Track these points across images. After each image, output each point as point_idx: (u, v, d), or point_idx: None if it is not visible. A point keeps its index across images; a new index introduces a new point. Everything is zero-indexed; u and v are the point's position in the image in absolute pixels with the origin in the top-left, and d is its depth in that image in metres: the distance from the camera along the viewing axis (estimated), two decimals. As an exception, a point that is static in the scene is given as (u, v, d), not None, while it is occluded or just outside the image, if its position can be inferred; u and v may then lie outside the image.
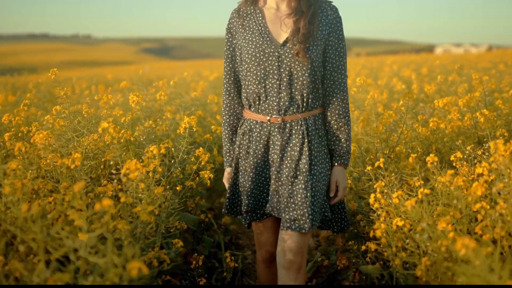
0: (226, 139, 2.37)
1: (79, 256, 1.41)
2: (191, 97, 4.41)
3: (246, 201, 2.24)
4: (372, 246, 2.23)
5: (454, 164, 2.40)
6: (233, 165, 2.31)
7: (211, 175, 2.79)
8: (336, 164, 2.28)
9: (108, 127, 2.16)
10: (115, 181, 2.10)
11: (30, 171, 2.16)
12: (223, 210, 2.39)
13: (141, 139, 2.70)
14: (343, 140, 2.25)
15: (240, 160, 2.29)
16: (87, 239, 1.42)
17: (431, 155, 2.29)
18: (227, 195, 2.37)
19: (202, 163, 2.81)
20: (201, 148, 2.80)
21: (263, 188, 2.25)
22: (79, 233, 1.44)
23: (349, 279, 2.80)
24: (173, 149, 2.66)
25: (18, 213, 1.84)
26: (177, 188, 2.71)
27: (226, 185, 2.40)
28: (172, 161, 2.68)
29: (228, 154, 2.38)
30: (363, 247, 2.36)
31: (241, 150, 2.28)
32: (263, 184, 2.24)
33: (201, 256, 2.80)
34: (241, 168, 2.28)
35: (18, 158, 2.15)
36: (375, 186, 2.21)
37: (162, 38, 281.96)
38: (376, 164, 2.39)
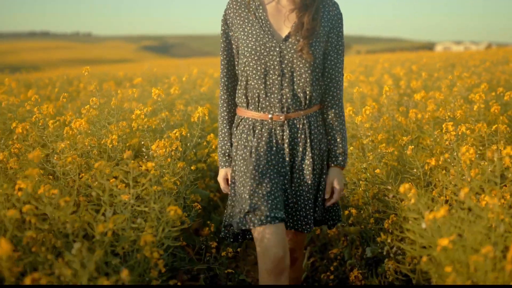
0: (226, 138, 2.25)
1: (128, 205, 1.91)
2: (200, 91, 4.91)
3: (249, 201, 2.05)
4: (353, 211, 2.73)
5: (423, 146, 2.90)
6: (234, 165, 2.18)
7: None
8: (332, 164, 2.20)
9: (140, 114, 2.64)
10: (145, 157, 2.59)
11: (74, 149, 2.65)
12: (222, 232, 2.25)
13: (162, 126, 3.19)
14: (338, 139, 2.19)
15: (239, 160, 2.16)
16: (133, 192, 1.91)
17: (403, 137, 2.80)
18: (229, 202, 2.20)
19: (212, 147, 3.30)
20: (212, 134, 3.30)
21: (266, 187, 2.08)
22: (127, 189, 1.94)
23: (338, 246, 3.29)
24: (188, 134, 3.15)
25: (76, 178, 2.34)
26: (192, 167, 3.20)
27: (222, 186, 2.27)
28: (188, 144, 3.17)
29: (227, 154, 2.25)
30: (346, 212, 2.85)
31: (238, 150, 2.17)
32: (266, 184, 2.08)
33: (213, 224, 3.29)
34: (242, 168, 2.13)
35: (66, 141, 2.64)
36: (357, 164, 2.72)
37: (162, 36, 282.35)
38: (358, 146, 2.90)
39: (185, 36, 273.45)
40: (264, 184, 2.06)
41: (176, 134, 2.60)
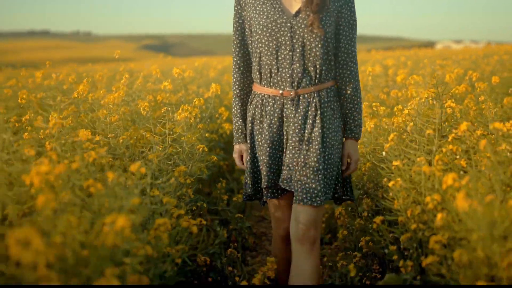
0: (238, 115, 2.35)
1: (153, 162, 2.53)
2: (209, 77, 5.56)
3: (266, 177, 2.21)
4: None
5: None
6: (249, 141, 2.30)
7: (230, 127, 3.91)
8: (347, 137, 2.28)
9: (167, 85, 3.28)
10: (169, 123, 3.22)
11: (116, 115, 3.27)
12: (243, 195, 2.37)
13: (181, 100, 3.83)
14: (355, 113, 2.26)
15: (255, 135, 2.27)
16: (162, 148, 2.53)
17: (381, 107, 3.42)
18: (247, 174, 2.31)
19: (223, 118, 3.94)
20: (223, 107, 3.93)
21: (280, 162, 2.23)
22: (156, 147, 2.56)
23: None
24: (204, 106, 3.78)
25: (114, 142, 2.96)
26: (206, 135, 3.83)
27: (237, 161, 2.38)
28: (204, 114, 3.81)
29: (240, 130, 2.35)
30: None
31: (254, 125, 2.26)
32: (280, 159, 2.23)
33: (224, 180, 3.91)
34: (257, 143, 2.26)
35: (104, 110, 3.26)
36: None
37: (163, 35, 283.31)
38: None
39: (185, 36, 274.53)
40: (273, 158, 2.20)
41: (196, 103, 3.22)
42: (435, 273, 1.64)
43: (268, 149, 2.20)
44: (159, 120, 2.77)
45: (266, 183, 2.20)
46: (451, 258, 1.55)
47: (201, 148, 2.41)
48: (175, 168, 2.44)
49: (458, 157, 1.99)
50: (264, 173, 2.21)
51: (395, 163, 2.09)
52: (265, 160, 2.21)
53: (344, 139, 2.29)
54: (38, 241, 0.98)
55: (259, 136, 2.24)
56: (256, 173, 2.27)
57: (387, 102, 4.44)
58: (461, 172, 1.97)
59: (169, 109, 3.32)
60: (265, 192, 2.26)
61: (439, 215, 1.61)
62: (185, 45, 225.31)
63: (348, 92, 2.24)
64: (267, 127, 2.20)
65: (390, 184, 2.02)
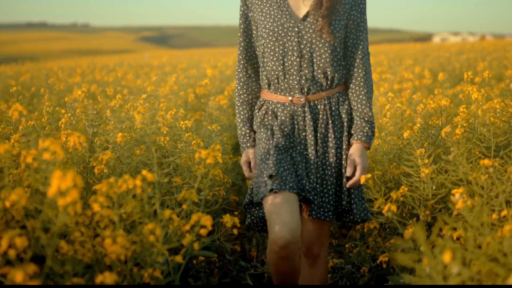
0: (245, 119, 2.18)
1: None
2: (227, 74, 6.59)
3: (273, 168, 1.95)
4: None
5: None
6: (257, 147, 2.09)
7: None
8: (355, 141, 2.06)
9: (178, 76, 4.26)
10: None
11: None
12: (245, 204, 2.13)
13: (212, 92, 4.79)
14: (363, 117, 2.07)
15: (263, 141, 2.06)
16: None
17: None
18: (253, 181, 2.08)
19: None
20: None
21: (291, 166, 2.00)
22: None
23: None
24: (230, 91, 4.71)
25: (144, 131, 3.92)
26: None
27: (245, 170, 2.13)
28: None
29: (248, 135, 2.17)
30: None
31: (262, 133, 2.07)
32: (287, 159, 2.01)
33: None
34: (264, 140, 2.06)
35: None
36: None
37: (161, 26, 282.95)
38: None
39: (184, 27, 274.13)
40: (286, 161, 2.00)
41: (225, 94, 4.20)
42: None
43: (276, 150, 2.00)
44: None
45: (276, 171, 1.94)
46: None
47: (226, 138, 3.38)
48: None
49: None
50: (274, 162, 1.96)
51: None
52: (272, 154, 1.99)
53: (351, 143, 2.08)
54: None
55: (265, 141, 2.05)
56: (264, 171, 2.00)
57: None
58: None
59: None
60: (271, 182, 1.94)
61: None
62: (184, 36, 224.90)
63: (355, 96, 2.08)
64: (277, 132, 2.04)
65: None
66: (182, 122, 2.51)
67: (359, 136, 2.06)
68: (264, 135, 2.06)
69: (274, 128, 2.06)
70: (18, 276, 1.01)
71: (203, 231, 1.43)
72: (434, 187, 2.08)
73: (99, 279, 1.17)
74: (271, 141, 2.03)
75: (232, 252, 3.14)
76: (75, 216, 1.20)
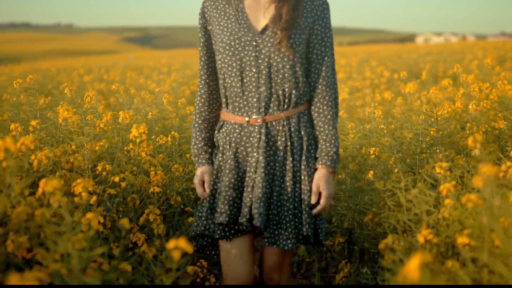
0: (205, 138, 2.07)
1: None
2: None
3: (228, 212, 1.92)
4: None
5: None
6: (215, 168, 2.00)
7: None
8: (320, 165, 1.97)
9: (175, 76, 5.15)
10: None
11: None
12: (193, 229, 2.06)
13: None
14: (329, 140, 1.97)
15: (221, 166, 1.99)
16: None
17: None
18: (205, 203, 2.02)
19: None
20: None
21: (242, 198, 1.95)
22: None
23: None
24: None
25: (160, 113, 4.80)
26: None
27: (198, 188, 2.04)
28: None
29: (203, 151, 2.06)
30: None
31: (224, 155, 1.99)
32: (242, 194, 1.95)
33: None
34: (221, 174, 1.98)
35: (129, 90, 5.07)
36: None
37: (145, 27, 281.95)
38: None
39: (167, 27, 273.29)
40: (236, 192, 1.94)
41: None
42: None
43: (232, 180, 1.94)
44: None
45: (226, 218, 1.91)
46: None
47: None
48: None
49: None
50: (226, 207, 1.92)
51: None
52: (228, 193, 1.94)
53: (315, 168, 1.98)
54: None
55: (224, 166, 1.98)
56: (216, 203, 1.97)
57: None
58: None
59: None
60: (219, 231, 1.95)
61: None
62: (168, 36, 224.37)
63: (319, 118, 1.99)
64: (232, 157, 1.96)
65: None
66: (187, 108, 3.45)
67: (324, 161, 1.97)
68: (220, 165, 1.99)
69: (229, 161, 1.96)
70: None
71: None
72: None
73: (150, 190, 2.09)
74: (225, 178, 1.95)
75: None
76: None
